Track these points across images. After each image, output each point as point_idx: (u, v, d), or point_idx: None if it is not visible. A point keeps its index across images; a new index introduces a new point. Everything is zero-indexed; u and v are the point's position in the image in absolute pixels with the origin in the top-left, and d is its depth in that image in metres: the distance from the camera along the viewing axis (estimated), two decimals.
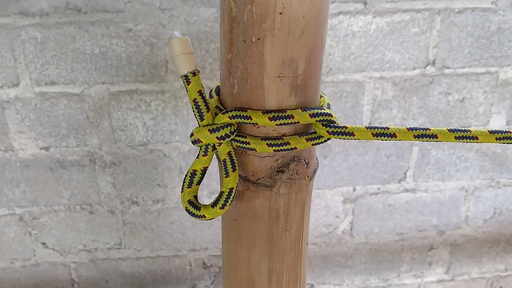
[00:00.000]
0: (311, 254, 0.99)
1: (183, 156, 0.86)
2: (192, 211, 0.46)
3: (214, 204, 0.45)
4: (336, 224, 0.97)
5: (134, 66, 0.79)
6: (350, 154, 0.90)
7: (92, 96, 0.80)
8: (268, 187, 0.45)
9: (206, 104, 0.43)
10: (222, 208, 0.45)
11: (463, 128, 0.47)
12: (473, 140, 0.47)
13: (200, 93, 0.43)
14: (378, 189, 0.94)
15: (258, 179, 0.45)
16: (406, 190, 0.95)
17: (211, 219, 0.47)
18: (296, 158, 0.44)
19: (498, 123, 0.90)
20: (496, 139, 0.47)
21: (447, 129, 0.46)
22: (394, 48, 0.82)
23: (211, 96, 0.46)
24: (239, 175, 0.45)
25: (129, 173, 0.87)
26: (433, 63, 0.84)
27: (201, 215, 0.46)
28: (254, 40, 0.38)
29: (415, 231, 0.99)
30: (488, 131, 0.47)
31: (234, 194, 0.45)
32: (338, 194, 0.94)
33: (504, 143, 0.48)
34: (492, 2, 0.80)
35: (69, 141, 0.83)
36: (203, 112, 0.43)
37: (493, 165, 0.94)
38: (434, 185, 0.95)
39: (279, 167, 0.44)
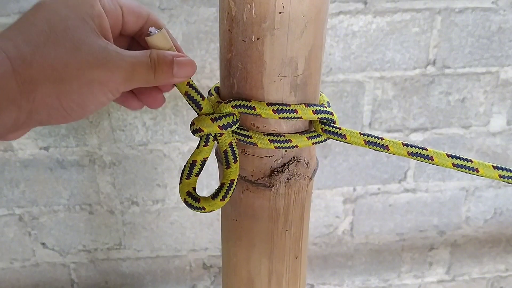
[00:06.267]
0: (311, 254, 0.99)
1: (182, 156, 0.86)
2: (191, 203, 0.45)
3: (214, 196, 0.44)
4: (336, 224, 0.97)
5: None
6: (351, 154, 0.90)
7: None
8: (267, 187, 0.45)
9: (199, 92, 0.42)
10: (222, 200, 0.44)
11: (464, 157, 0.45)
12: (472, 171, 0.44)
13: (190, 84, 0.42)
14: (379, 189, 0.94)
15: (258, 179, 0.45)
16: (407, 190, 0.95)
17: (211, 211, 0.45)
18: (295, 158, 0.44)
19: (498, 123, 0.90)
20: (500, 176, 0.45)
21: (446, 154, 0.45)
22: (395, 48, 0.82)
23: (210, 95, 0.46)
24: (239, 175, 0.45)
25: (129, 173, 0.87)
26: (434, 63, 0.84)
27: (201, 207, 0.44)
28: (253, 40, 0.38)
29: (416, 231, 0.99)
30: (493, 166, 0.44)
31: (235, 185, 0.44)
32: (338, 194, 0.94)
33: (507, 183, 0.46)
34: (493, 2, 0.80)
35: (69, 141, 0.83)
36: (198, 101, 0.42)
37: None
38: (434, 185, 0.95)
39: (279, 167, 0.44)
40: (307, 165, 0.45)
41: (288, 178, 0.44)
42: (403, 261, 1.03)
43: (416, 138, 0.89)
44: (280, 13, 0.37)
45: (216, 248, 0.96)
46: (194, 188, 0.45)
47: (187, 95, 0.42)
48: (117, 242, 0.94)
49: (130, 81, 0.36)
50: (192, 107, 0.42)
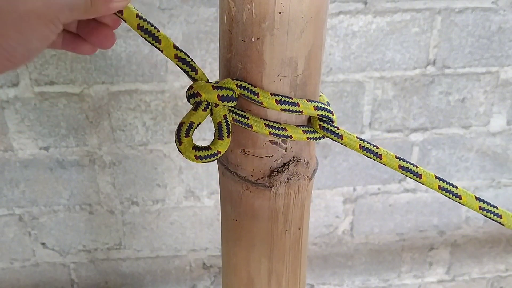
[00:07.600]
0: (311, 254, 0.99)
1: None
2: (204, 155, 0.43)
3: (220, 137, 0.42)
4: (336, 224, 0.97)
5: (133, 66, 0.78)
6: (351, 154, 0.90)
7: (92, 96, 0.80)
8: (267, 187, 0.45)
9: (189, 56, 0.41)
10: (228, 136, 0.42)
11: (451, 182, 0.46)
12: (455, 197, 0.45)
13: (176, 47, 0.41)
14: (379, 189, 0.94)
15: (258, 179, 0.45)
16: (407, 190, 0.95)
17: (225, 152, 0.43)
18: (295, 158, 0.44)
19: (498, 123, 0.90)
20: (480, 208, 0.46)
21: (434, 175, 0.45)
22: (395, 48, 0.82)
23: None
24: (239, 175, 0.45)
25: (129, 173, 0.87)
26: (434, 63, 0.84)
27: (216, 152, 0.42)
28: (253, 40, 0.38)
29: (416, 231, 0.99)
30: (475, 197, 0.46)
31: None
32: (338, 194, 0.94)
33: (485, 216, 0.47)
34: (493, 2, 0.80)
35: (69, 141, 0.83)
36: (191, 64, 0.41)
37: (494, 165, 0.94)
38: None
39: (279, 167, 0.44)
40: (307, 165, 0.45)
41: (288, 178, 0.44)
42: (403, 261, 1.03)
43: (416, 138, 0.89)
44: (280, 13, 0.37)
45: (216, 248, 0.96)
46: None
47: (177, 57, 0.40)
48: (117, 242, 0.94)
49: (69, 11, 0.34)
50: (185, 72, 0.41)
